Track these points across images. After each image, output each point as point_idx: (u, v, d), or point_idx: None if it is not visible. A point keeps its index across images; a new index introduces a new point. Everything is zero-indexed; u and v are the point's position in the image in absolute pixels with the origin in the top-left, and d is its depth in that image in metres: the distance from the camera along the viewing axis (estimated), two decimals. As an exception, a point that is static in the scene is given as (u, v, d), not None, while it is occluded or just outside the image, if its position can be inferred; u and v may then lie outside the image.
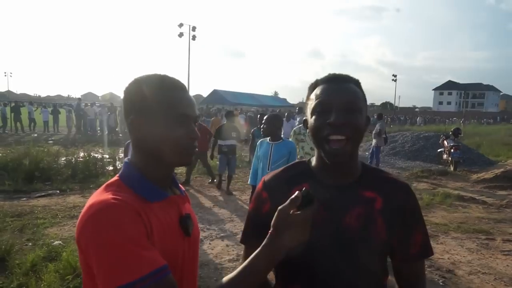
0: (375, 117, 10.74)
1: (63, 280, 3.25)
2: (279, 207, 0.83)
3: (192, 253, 0.96)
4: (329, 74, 1.01)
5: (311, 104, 0.98)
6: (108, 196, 0.80)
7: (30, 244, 4.32)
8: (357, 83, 1.01)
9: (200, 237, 5.12)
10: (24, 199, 6.39)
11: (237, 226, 5.23)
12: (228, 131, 7.26)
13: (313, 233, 0.91)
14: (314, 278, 0.95)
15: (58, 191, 6.99)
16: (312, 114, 0.97)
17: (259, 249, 0.82)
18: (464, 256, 4.45)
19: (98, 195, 0.83)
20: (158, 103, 0.87)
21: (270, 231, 0.83)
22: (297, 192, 0.83)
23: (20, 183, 7.05)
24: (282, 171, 1.09)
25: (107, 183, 0.89)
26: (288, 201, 0.82)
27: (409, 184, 1.06)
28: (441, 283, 3.72)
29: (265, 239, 0.82)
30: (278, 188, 1.02)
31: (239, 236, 4.51)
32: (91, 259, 0.76)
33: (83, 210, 0.81)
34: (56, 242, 4.25)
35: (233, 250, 4.36)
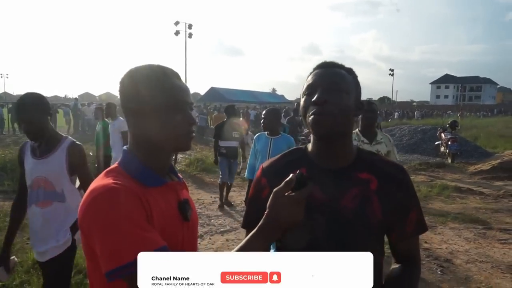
0: None
1: (65, 277, 3.28)
2: (274, 189, 0.86)
3: (191, 238, 0.99)
4: (322, 62, 1.07)
5: (303, 89, 1.05)
6: (109, 181, 0.83)
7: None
8: (348, 70, 1.06)
9: (200, 232, 5.13)
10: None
11: (237, 221, 5.26)
12: (229, 129, 6.01)
13: (311, 215, 0.96)
14: None
15: (57, 191, 7.00)
16: (302, 97, 1.04)
17: (255, 229, 0.85)
18: (461, 246, 4.50)
19: (99, 181, 0.86)
20: (156, 92, 0.90)
21: (266, 212, 0.86)
22: (291, 175, 0.86)
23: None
24: (279, 158, 1.13)
25: (107, 169, 0.92)
26: (282, 183, 0.86)
27: (403, 165, 1.10)
28: (439, 272, 3.77)
29: (262, 220, 0.86)
30: (276, 173, 1.05)
31: (239, 231, 4.58)
32: (93, 241, 0.79)
33: (85, 195, 0.84)
34: (57, 240, 4.28)
35: (233, 245, 4.40)
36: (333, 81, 0.99)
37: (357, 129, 3.41)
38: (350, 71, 1.06)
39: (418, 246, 1.13)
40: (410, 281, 1.06)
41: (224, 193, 6.39)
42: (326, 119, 0.96)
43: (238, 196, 6.91)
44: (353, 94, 1.02)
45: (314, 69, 1.06)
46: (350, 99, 1.00)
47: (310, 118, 0.98)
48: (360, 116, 2.30)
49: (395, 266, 1.11)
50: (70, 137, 2.17)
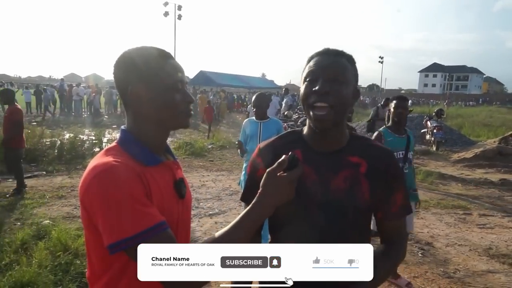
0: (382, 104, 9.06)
1: (54, 257, 3.31)
2: (268, 170, 0.91)
3: (186, 215, 1.03)
4: (324, 48, 1.09)
5: (304, 74, 1.07)
6: (109, 159, 0.86)
7: (19, 223, 4.34)
8: (349, 58, 1.08)
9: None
10: (10, 180, 6.34)
11: (225, 204, 5.34)
12: None
13: (305, 195, 1.02)
14: (305, 236, 1.04)
15: (44, 172, 6.94)
16: (303, 83, 1.06)
17: (249, 206, 0.90)
18: (442, 230, 4.67)
19: (100, 158, 0.88)
20: (155, 72, 0.93)
21: (259, 191, 0.90)
22: (283, 156, 0.91)
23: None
24: (276, 139, 1.17)
25: (106, 148, 0.95)
26: (275, 164, 0.90)
27: (391, 150, 1.16)
28: (420, 255, 3.93)
29: (255, 198, 0.90)
30: (271, 154, 1.10)
31: (227, 214, 4.64)
32: (95, 216, 0.82)
33: (86, 172, 0.87)
34: (45, 221, 4.27)
35: (221, 227, 4.45)
36: (335, 72, 1.01)
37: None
38: (350, 59, 1.08)
39: (403, 229, 1.17)
40: (394, 253, 1.13)
41: None
42: (328, 115, 1.00)
43: (226, 180, 6.97)
44: (352, 83, 1.05)
45: (316, 54, 1.07)
46: (349, 89, 1.04)
47: (311, 112, 1.02)
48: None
49: (380, 245, 1.17)
50: None
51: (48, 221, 4.32)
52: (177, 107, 0.95)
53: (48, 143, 8.55)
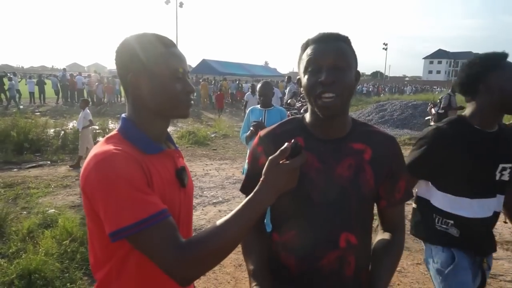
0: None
1: (60, 245, 3.35)
2: (270, 157, 0.90)
3: (187, 203, 1.03)
4: (319, 33, 1.05)
5: (303, 63, 1.04)
6: (110, 147, 0.85)
7: (25, 212, 4.39)
8: (346, 40, 1.04)
9: (193, 203, 5.17)
10: (15, 170, 6.40)
11: (229, 193, 5.36)
12: None
13: (309, 183, 1.01)
14: (309, 225, 1.04)
15: (49, 162, 6.99)
16: (304, 73, 1.03)
17: (251, 194, 0.89)
18: (445, 217, 4.66)
19: (100, 147, 0.88)
20: (156, 60, 0.91)
21: (261, 179, 0.89)
22: (286, 144, 0.90)
23: (10, 154, 7.03)
24: (277, 127, 1.15)
25: (107, 136, 0.94)
26: (278, 151, 0.89)
27: (394, 136, 1.14)
28: (421, 246, 3.93)
29: (257, 186, 0.89)
30: (273, 142, 1.08)
31: (231, 202, 4.63)
32: (97, 204, 0.82)
33: (87, 160, 0.86)
34: (51, 210, 4.32)
35: (225, 216, 4.48)
36: (337, 59, 0.99)
37: None
38: (347, 41, 1.04)
39: (404, 214, 1.18)
40: (396, 248, 1.13)
41: None
42: (335, 102, 0.97)
43: (230, 168, 6.99)
44: (354, 67, 1.03)
45: (313, 41, 1.03)
46: (352, 74, 1.02)
47: (319, 101, 0.99)
48: None
49: (382, 235, 1.17)
50: None
51: (54, 210, 4.36)
52: (177, 97, 0.93)
53: (52, 133, 8.59)
